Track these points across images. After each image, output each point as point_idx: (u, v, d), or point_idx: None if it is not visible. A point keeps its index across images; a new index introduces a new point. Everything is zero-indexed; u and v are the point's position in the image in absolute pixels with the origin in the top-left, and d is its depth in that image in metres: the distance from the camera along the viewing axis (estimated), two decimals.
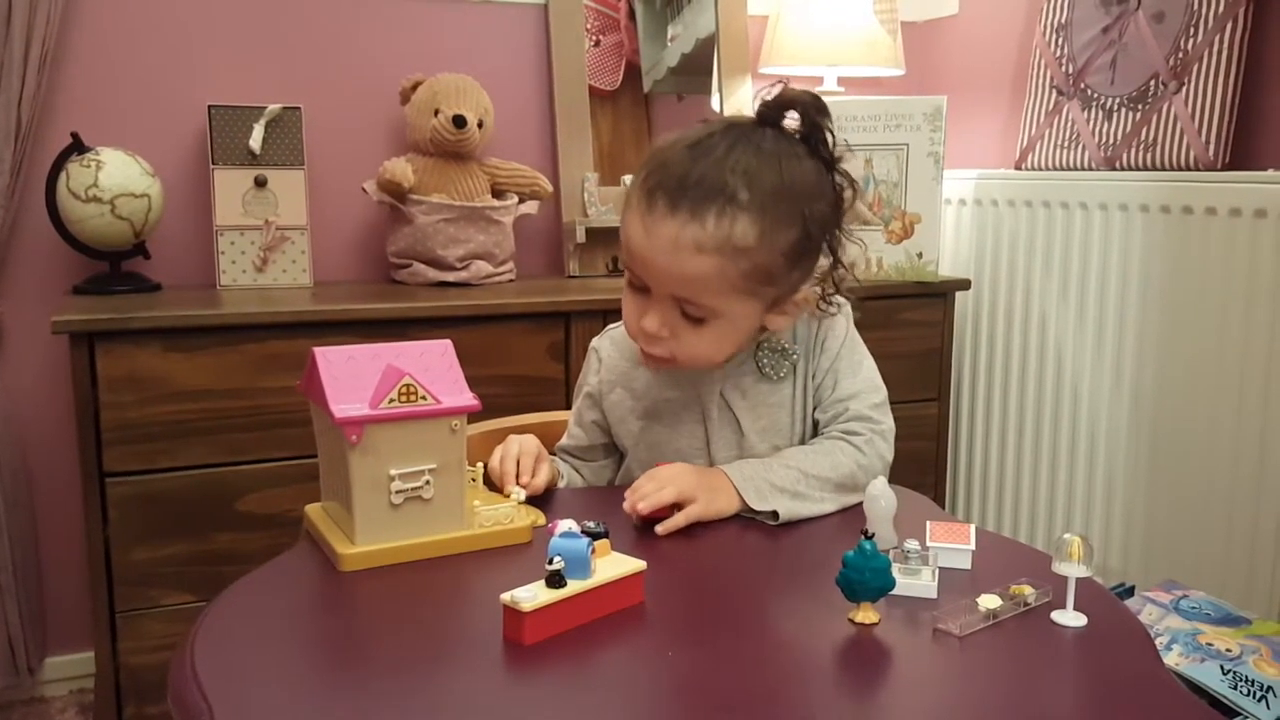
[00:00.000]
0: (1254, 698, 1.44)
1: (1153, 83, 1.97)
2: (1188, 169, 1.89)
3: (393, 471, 0.96)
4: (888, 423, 1.18)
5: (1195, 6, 1.90)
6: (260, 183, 1.94)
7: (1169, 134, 1.92)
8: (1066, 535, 0.85)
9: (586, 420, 1.24)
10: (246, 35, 2.04)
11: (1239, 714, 1.42)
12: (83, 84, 1.94)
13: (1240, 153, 1.86)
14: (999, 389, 2.26)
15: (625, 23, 2.33)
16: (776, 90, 1.08)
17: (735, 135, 1.05)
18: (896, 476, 1.09)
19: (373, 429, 0.94)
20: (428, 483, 0.97)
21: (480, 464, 1.09)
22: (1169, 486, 1.90)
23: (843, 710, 0.75)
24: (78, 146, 1.85)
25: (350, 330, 1.74)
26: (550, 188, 2.15)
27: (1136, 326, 1.94)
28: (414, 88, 2.07)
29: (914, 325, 2.17)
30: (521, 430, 1.20)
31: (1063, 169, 2.14)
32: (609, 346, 1.24)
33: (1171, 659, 1.50)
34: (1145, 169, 1.96)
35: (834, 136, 1.08)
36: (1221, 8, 1.86)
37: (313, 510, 1.05)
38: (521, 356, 1.87)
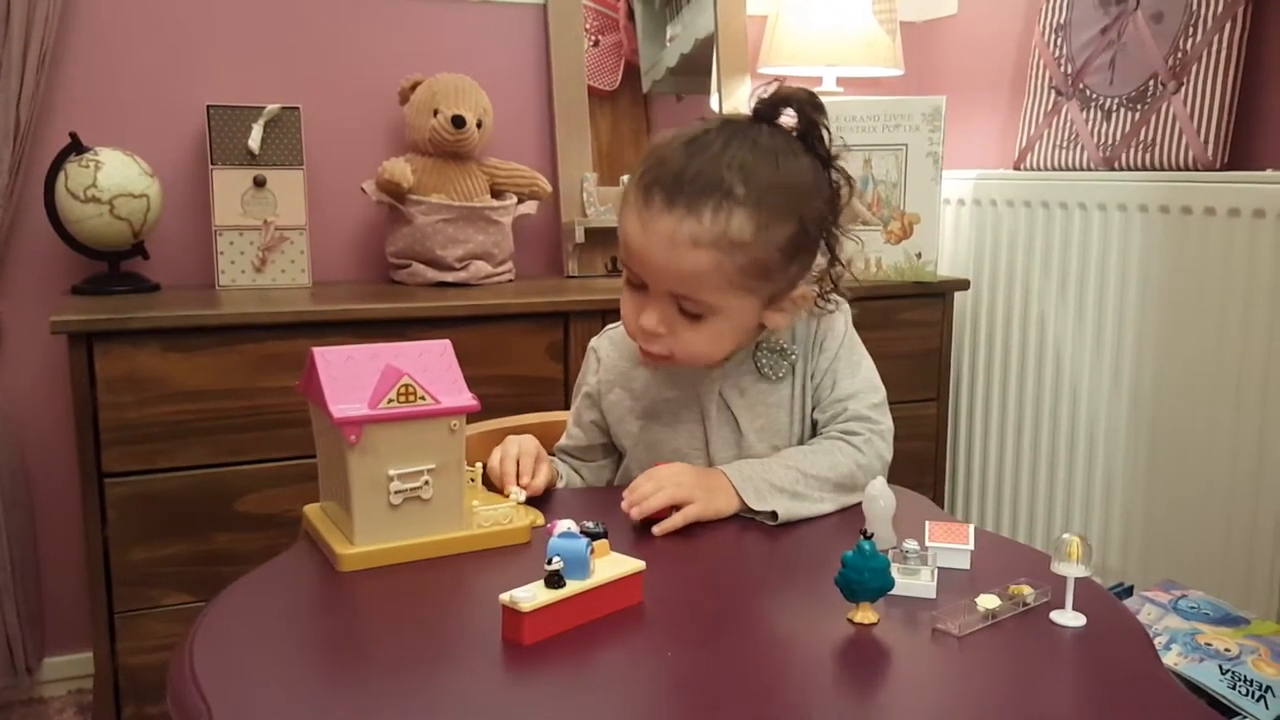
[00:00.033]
0: (1253, 697, 1.44)
1: (1151, 83, 1.98)
2: (1186, 169, 1.89)
3: (391, 472, 0.96)
4: (886, 423, 1.18)
5: (1194, 7, 1.90)
6: (259, 183, 1.94)
7: (1168, 134, 1.92)
8: (1065, 535, 0.85)
9: (585, 420, 1.24)
10: (245, 35, 2.04)
11: (1238, 714, 1.42)
12: (81, 84, 1.94)
13: (1239, 153, 1.86)
14: (998, 389, 2.26)
15: (624, 23, 2.33)
16: (772, 88, 1.09)
17: (731, 131, 1.06)
18: (895, 476, 1.09)
19: (371, 429, 0.94)
20: (426, 483, 0.97)
21: (479, 464, 1.09)
22: (1168, 486, 1.90)
23: (841, 710, 0.75)
24: (76, 146, 1.85)
25: (349, 330, 1.74)
26: (549, 188, 2.15)
27: (1135, 326, 1.94)
28: (413, 88, 2.07)
29: (913, 325, 2.17)
30: (520, 430, 1.20)
31: (1061, 169, 2.14)
32: (608, 346, 1.24)
33: (1170, 659, 1.50)
34: (1144, 169, 1.96)
35: (830, 133, 1.08)
36: (1220, 8, 1.86)
37: (311, 510, 1.05)
38: (520, 357, 1.87)
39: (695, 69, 2.37)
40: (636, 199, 1.05)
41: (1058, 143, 2.16)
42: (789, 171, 1.05)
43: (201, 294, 1.90)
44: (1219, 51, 1.85)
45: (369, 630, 0.87)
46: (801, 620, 0.87)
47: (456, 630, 0.86)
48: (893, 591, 0.85)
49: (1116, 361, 1.99)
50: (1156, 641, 1.50)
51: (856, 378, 1.18)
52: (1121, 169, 2.01)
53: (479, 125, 2.05)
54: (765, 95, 1.08)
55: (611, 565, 0.87)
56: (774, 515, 1.07)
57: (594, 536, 0.87)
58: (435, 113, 2.02)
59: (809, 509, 1.09)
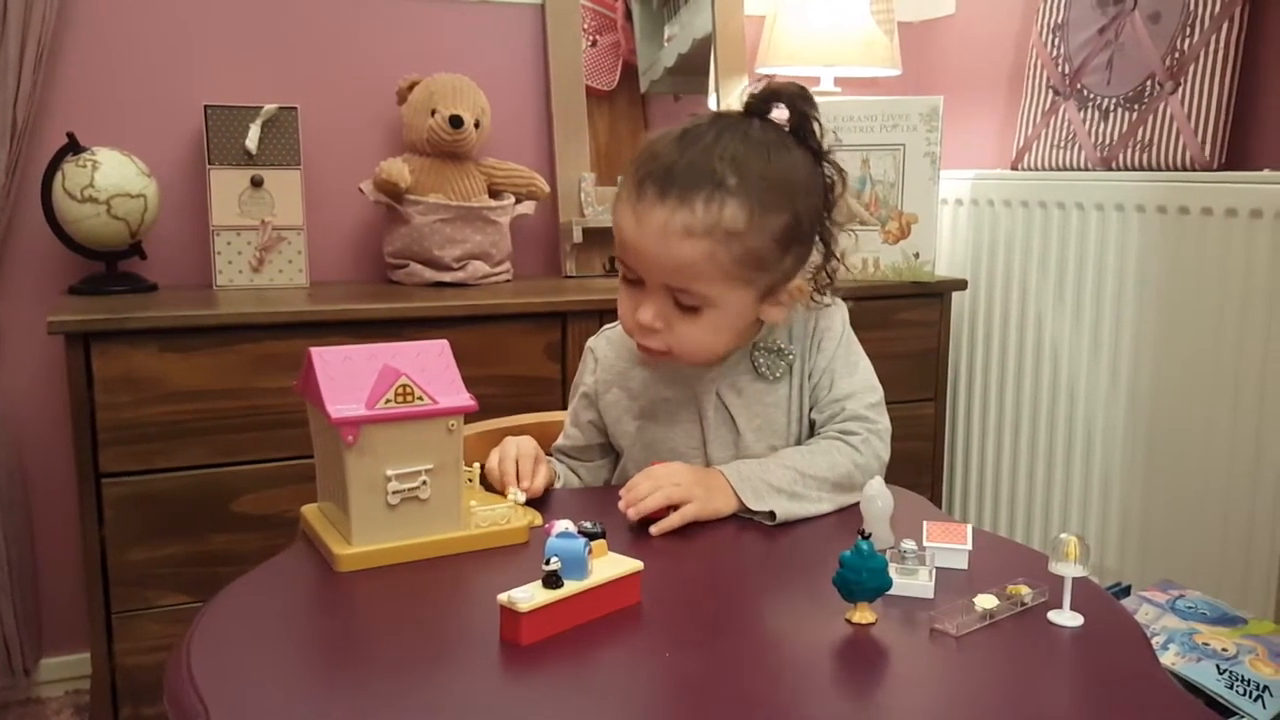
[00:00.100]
0: (1250, 697, 1.44)
1: (1149, 83, 1.98)
2: (1184, 169, 1.89)
3: (389, 472, 0.95)
4: (884, 422, 1.18)
5: (1191, 7, 1.90)
6: (256, 183, 1.93)
7: (1165, 134, 1.93)
8: (1063, 535, 0.85)
9: (583, 420, 1.24)
10: (243, 35, 2.04)
11: (1235, 713, 1.42)
12: (78, 84, 1.94)
13: (1236, 153, 1.87)
14: (995, 389, 2.26)
15: (622, 23, 2.33)
16: (763, 84, 1.10)
17: (723, 125, 1.07)
18: (893, 476, 1.09)
19: (369, 429, 0.94)
20: (424, 483, 0.97)
21: (477, 464, 1.09)
22: (1165, 486, 1.90)
23: (839, 710, 0.75)
24: (73, 146, 1.85)
25: (347, 330, 1.74)
26: (547, 188, 2.15)
27: (1133, 326, 1.94)
28: (410, 88, 2.06)
29: (911, 325, 2.17)
30: (518, 430, 1.20)
31: (1059, 169, 2.15)
32: (605, 346, 1.24)
33: (1168, 658, 1.50)
34: (1141, 169, 1.97)
35: (821, 126, 1.09)
36: (1218, 8, 1.86)
37: (309, 511, 1.05)
38: (518, 357, 1.87)
39: (693, 69, 2.37)
40: (630, 193, 1.06)
41: (1055, 143, 2.16)
42: (781, 163, 1.06)
43: (199, 294, 1.90)
44: (1216, 52, 1.85)
45: (367, 631, 0.87)
46: (799, 620, 0.87)
47: (454, 631, 0.86)
48: (890, 591, 0.85)
49: (1114, 361, 1.99)
50: (1154, 641, 1.50)
51: (854, 378, 1.18)
52: (1119, 169, 2.01)
53: (477, 125, 2.05)
54: (756, 91, 1.09)
55: (609, 565, 0.87)
56: (772, 515, 1.07)
57: (592, 536, 0.87)
58: (433, 113, 2.02)
59: (807, 509, 1.09)
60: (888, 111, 2.12)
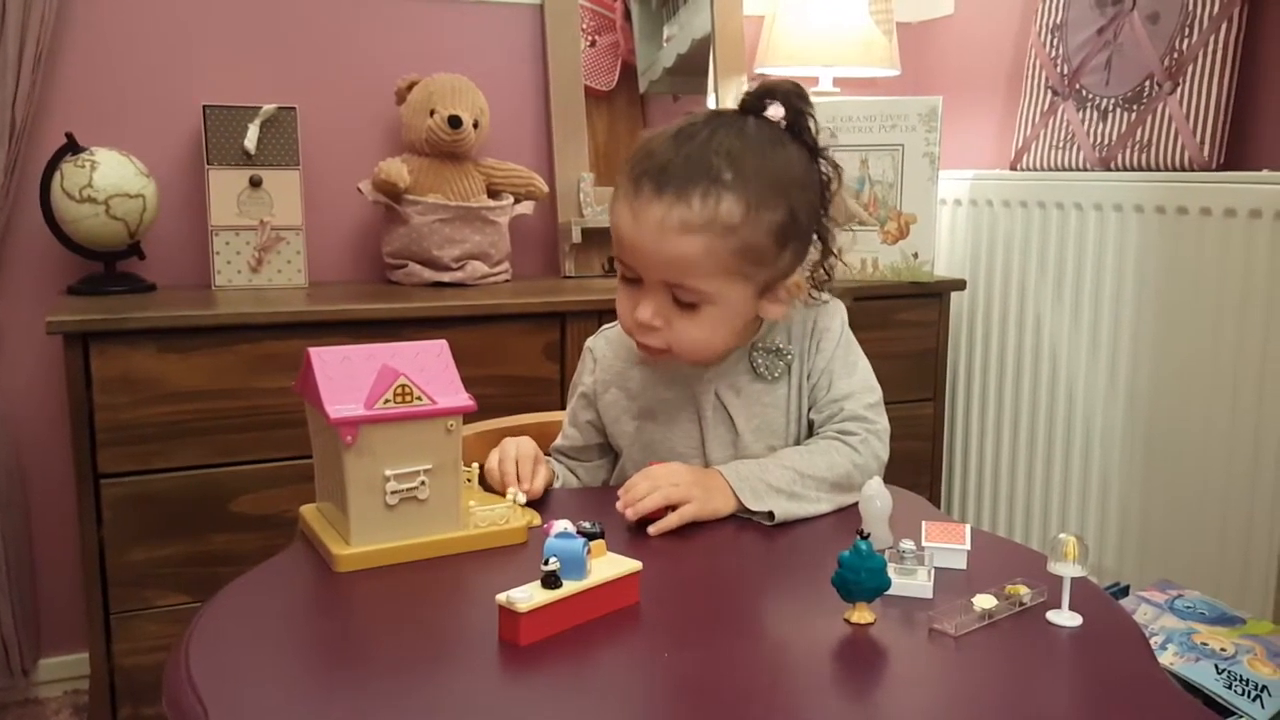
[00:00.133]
0: (1248, 697, 1.44)
1: (1148, 83, 1.98)
2: (1182, 169, 1.89)
3: (388, 472, 0.95)
4: (883, 423, 1.18)
5: (1190, 7, 1.90)
6: (255, 183, 1.93)
7: (1164, 134, 1.93)
8: (1062, 535, 0.85)
9: (581, 420, 1.24)
10: (241, 35, 2.04)
11: (1234, 713, 1.42)
12: (77, 84, 1.94)
13: (1235, 153, 1.87)
14: (994, 389, 2.26)
15: (621, 23, 2.33)
16: (758, 82, 1.10)
17: (719, 122, 1.08)
18: (892, 476, 1.09)
19: (368, 429, 0.94)
20: (423, 483, 0.97)
21: (475, 464, 1.09)
22: (1164, 486, 1.90)
23: (838, 710, 0.75)
24: (72, 146, 1.85)
25: (345, 330, 1.74)
26: (546, 188, 2.15)
27: (1131, 327, 1.94)
28: (409, 88, 2.06)
29: (909, 325, 2.17)
30: (517, 431, 1.20)
31: (1058, 169, 2.15)
32: (604, 346, 1.24)
33: (1166, 658, 1.50)
34: (1140, 169, 1.97)
35: (816, 123, 1.10)
36: (1216, 8, 1.86)
37: (308, 511, 1.05)
38: (517, 357, 1.87)
39: (692, 69, 2.37)
40: (627, 190, 1.06)
41: (1054, 143, 2.16)
42: (777, 159, 1.07)
43: (197, 294, 1.90)
44: (1215, 52, 1.85)
45: (366, 631, 0.87)
46: (798, 620, 0.87)
47: (453, 631, 0.86)
48: (889, 591, 0.85)
49: (1113, 361, 1.99)
50: (1152, 641, 1.50)
51: (853, 378, 1.18)
52: (1118, 169, 2.01)
53: (475, 125, 2.05)
54: (751, 89, 1.10)
55: (608, 565, 0.87)
56: (771, 515, 1.07)
57: (591, 537, 0.87)
58: (432, 113, 2.02)
59: (806, 509, 1.09)
60: (886, 112, 2.12)
